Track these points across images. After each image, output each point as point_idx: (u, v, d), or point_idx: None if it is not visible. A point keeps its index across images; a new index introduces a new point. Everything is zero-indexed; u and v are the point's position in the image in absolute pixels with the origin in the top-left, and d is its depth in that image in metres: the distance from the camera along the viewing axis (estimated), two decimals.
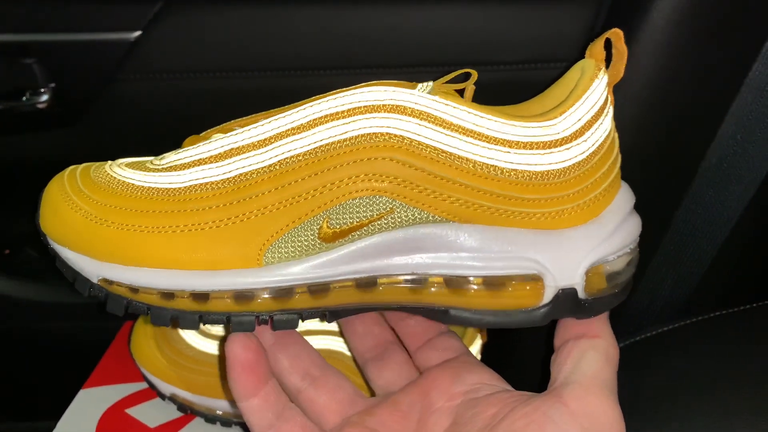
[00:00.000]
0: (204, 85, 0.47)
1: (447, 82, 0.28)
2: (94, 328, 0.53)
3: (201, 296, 0.27)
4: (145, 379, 0.43)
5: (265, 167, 0.26)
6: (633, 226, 0.30)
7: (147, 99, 0.48)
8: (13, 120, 0.47)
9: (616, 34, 0.29)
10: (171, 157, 0.29)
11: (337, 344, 0.40)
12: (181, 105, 0.48)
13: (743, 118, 0.43)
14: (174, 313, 0.27)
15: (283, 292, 0.27)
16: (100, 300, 0.28)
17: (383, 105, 0.26)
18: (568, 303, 0.27)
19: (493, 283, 0.27)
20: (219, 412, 0.41)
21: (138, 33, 0.44)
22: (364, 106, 0.26)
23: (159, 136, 0.50)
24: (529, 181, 0.26)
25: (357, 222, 0.26)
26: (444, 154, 0.26)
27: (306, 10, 0.45)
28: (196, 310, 0.27)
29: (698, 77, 0.42)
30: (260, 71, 0.46)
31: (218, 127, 0.31)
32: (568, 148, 0.26)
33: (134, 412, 0.42)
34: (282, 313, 0.27)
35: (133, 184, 0.28)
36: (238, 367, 0.27)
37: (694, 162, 0.45)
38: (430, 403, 0.29)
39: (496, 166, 0.26)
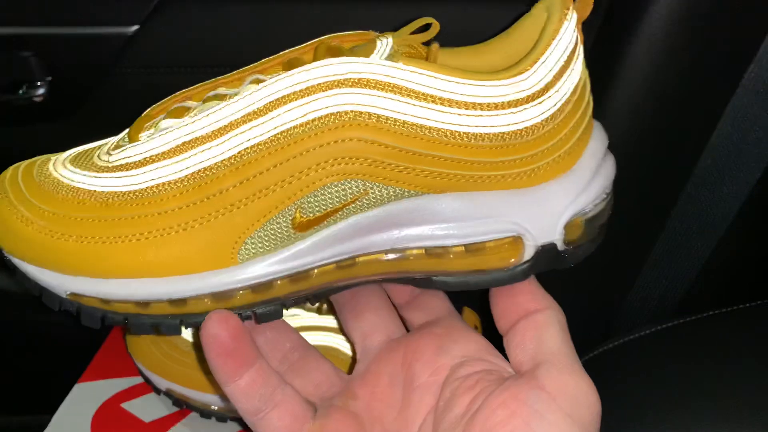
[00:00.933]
0: (201, 80, 0.46)
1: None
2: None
3: (178, 302, 0.25)
4: (140, 373, 0.43)
5: (225, 160, 0.24)
6: (608, 169, 0.28)
7: (144, 93, 0.47)
8: (9, 113, 0.47)
9: None
10: (122, 153, 0.26)
11: (335, 341, 0.40)
12: None
13: (739, 119, 0.43)
14: (153, 320, 0.26)
15: (262, 286, 0.26)
16: (72, 314, 0.27)
17: (344, 80, 0.24)
18: (548, 257, 0.27)
19: (472, 248, 0.27)
20: (214, 407, 0.41)
21: (135, 27, 0.44)
22: (323, 83, 0.24)
23: None
24: (503, 143, 0.25)
25: (331, 208, 0.25)
26: (414, 127, 0.24)
27: (303, 7, 0.45)
28: (176, 314, 0.26)
29: (695, 77, 0.43)
30: None
31: (160, 104, 0.29)
32: (540, 102, 0.25)
33: (129, 406, 0.42)
34: (265, 305, 0.26)
35: (85, 190, 0.26)
36: (216, 348, 0.25)
37: (690, 162, 0.45)
38: (412, 376, 0.28)
39: (468, 133, 0.24)
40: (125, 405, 0.42)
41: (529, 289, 0.27)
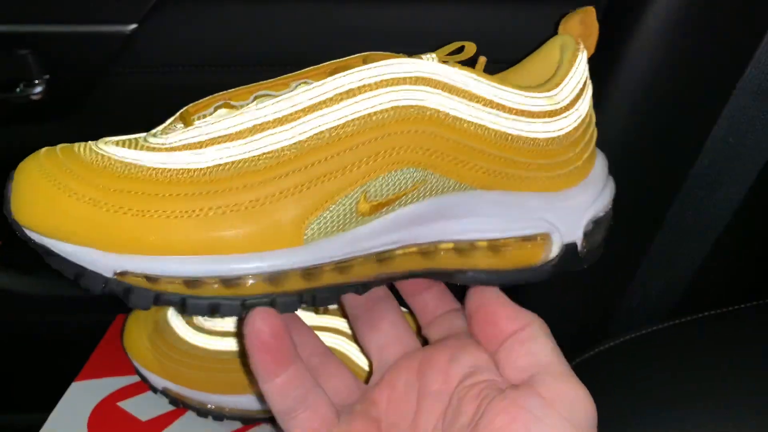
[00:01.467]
0: (200, 79, 0.47)
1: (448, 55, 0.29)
2: (86, 321, 0.53)
3: (231, 281, 0.25)
4: (137, 372, 0.43)
5: (295, 143, 0.25)
6: (612, 186, 0.33)
7: (142, 92, 0.48)
8: (6, 111, 0.47)
9: (589, 11, 0.31)
10: (181, 134, 0.27)
11: (347, 347, 0.40)
12: (176, 99, 0.47)
13: (736, 121, 0.43)
14: (211, 301, 0.25)
15: (316, 270, 0.26)
16: (117, 295, 0.25)
17: (410, 77, 0.26)
18: (568, 257, 0.30)
19: (507, 243, 0.29)
20: (211, 406, 0.42)
21: (134, 26, 0.44)
22: (392, 78, 0.26)
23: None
24: (539, 147, 0.28)
25: (393, 195, 0.26)
26: (468, 124, 0.27)
27: (304, 6, 0.45)
28: (229, 295, 0.25)
29: (692, 79, 0.43)
30: (257, 66, 0.46)
31: (197, 103, 0.30)
32: (565, 117, 0.29)
33: (126, 405, 0.42)
34: (288, 296, 0.26)
35: (144, 166, 0.25)
36: (259, 343, 0.26)
37: (687, 163, 0.45)
38: (426, 384, 0.29)
39: (513, 135, 0.28)
40: (122, 404, 0.42)
41: (506, 313, 0.28)
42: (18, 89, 0.45)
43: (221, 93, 0.30)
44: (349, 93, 0.26)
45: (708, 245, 0.48)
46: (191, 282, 0.25)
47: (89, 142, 0.28)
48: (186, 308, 0.25)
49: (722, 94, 0.43)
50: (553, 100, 0.28)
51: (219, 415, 0.42)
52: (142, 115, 0.49)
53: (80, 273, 0.25)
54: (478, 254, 0.29)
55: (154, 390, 0.42)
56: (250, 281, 0.25)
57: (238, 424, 0.42)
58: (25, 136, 0.49)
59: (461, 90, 0.26)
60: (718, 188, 0.46)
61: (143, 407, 0.42)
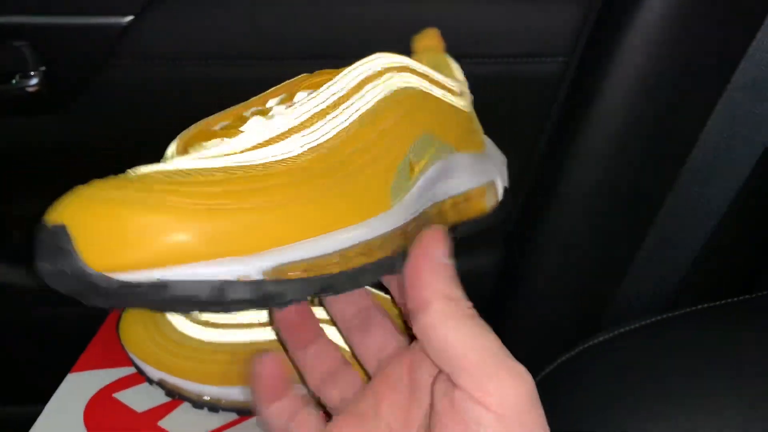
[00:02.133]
0: (197, 72, 0.47)
1: None
2: (81, 313, 0.54)
3: (345, 255, 0.25)
4: (133, 364, 0.42)
5: (350, 125, 0.27)
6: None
7: (139, 85, 0.48)
8: (1, 103, 0.47)
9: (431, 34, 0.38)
10: (243, 138, 0.26)
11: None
12: (173, 91, 0.48)
13: (730, 116, 0.44)
14: (374, 270, 0.26)
15: (403, 231, 0.28)
16: (270, 297, 0.23)
17: (401, 66, 0.31)
18: (506, 199, 0.36)
19: (472, 194, 0.34)
20: (207, 398, 0.42)
21: (131, 18, 0.44)
22: (391, 66, 0.30)
23: (150, 123, 0.50)
24: (467, 118, 0.35)
25: (424, 154, 0.30)
26: (438, 100, 0.32)
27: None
28: (370, 263, 0.26)
29: (687, 74, 0.43)
30: (253, 60, 0.46)
31: (220, 114, 0.31)
32: (462, 96, 0.35)
33: (122, 396, 0.42)
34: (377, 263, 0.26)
35: (236, 165, 0.24)
36: (265, 380, 0.29)
37: (681, 157, 0.45)
38: (416, 378, 0.29)
39: (457, 108, 0.34)
40: (118, 395, 0.42)
41: (425, 282, 0.25)
42: (14, 81, 0.45)
43: (236, 107, 0.32)
44: (367, 80, 0.29)
45: (702, 239, 0.48)
46: (313, 265, 0.24)
47: (129, 170, 0.25)
48: (337, 289, 0.25)
49: (716, 89, 0.43)
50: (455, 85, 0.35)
51: (215, 407, 0.42)
52: (139, 107, 0.49)
53: (224, 287, 0.22)
54: (462, 207, 0.34)
55: (150, 381, 0.42)
56: (378, 248, 0.26)
57: (234, 416, 0.42)
58: (20, 128, 0.49)
59: (426, 75, 0.32)
60: (712, 183, 0.46)
61: (139, 399, 0.42)
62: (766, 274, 0.54)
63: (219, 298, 0.22)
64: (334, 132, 0.27)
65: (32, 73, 0.46)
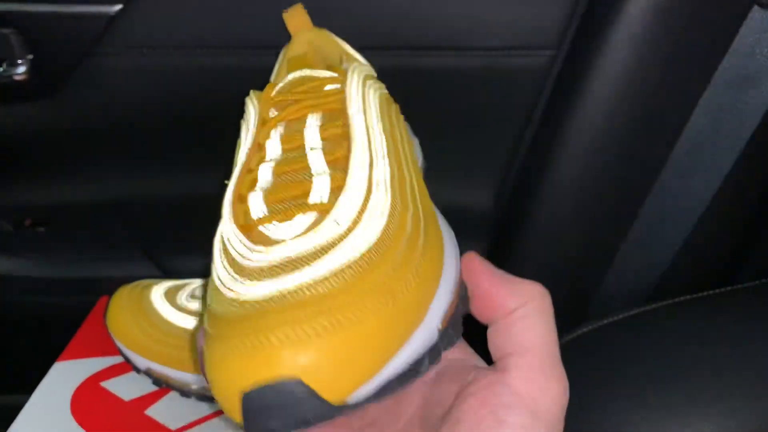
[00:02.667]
0: (183, 60, 0.47)
1: None
2: (69, 303, 0.54)
3: None
4: (120, 352, 0.43)
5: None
6: None
7: (126, 73, 0.48)
8: None
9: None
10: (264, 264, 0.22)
11: None
12: (160, 80, 0.48)
13: (712, 111, 0.44)
14: None
15: None
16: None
17: (373, 76, 0.32)
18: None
19: None
20: (194, 387, 0.42)
21: (119, 7, 0.44)
22: (369, 76, 0.31)
23: (138, 111, 0.50)
24: None
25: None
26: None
27: None
28: None
29: (671, 68, 0.44)
30: (239, 48, 0.46)
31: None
32: None
33: (109, 385, 0.42)
34: None
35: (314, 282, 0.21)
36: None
37: (665, 150, 0.46)
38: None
39: None
40: (105, 384, 0.43)
41: (503, 291, 0.26)
42: (1, 69, 0.45)
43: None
44: (364, 85, 0.29)
45: (686, 231, 0.49)
46: None
47: (237, 299, 0.22)
48: None
49: (700, 84, 0.44)
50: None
51: (202, 396, 0.42)
52: (126, 95, 0.49)
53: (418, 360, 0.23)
54: None
55: (138, 370, 0.42)
56: None
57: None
58: (6, 116, 0.49)
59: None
60: (695, 176, 0.47)
61: (126, 387, 0.42)
62: (747, 266, 0.55)
63: (418, 369, 0.22)
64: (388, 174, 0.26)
65: (19, 61, 0.45)
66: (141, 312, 0.42)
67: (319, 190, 0.24)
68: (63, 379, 0.42)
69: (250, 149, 0.28)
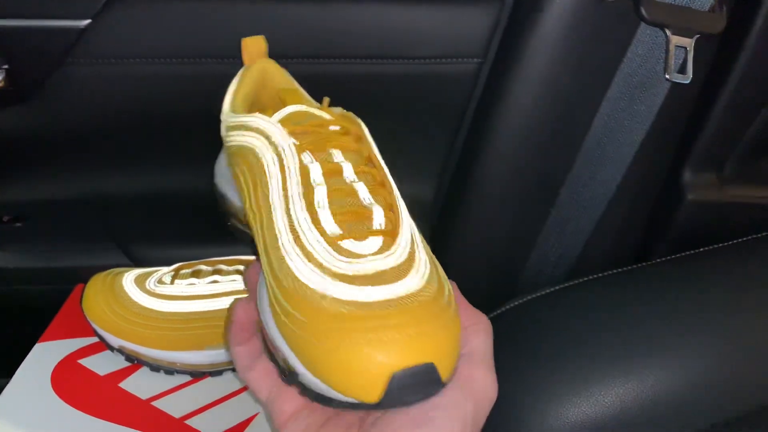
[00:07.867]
0: (147, 69, 0.50)
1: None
2: (48, 291, 0.56)
3: None
4: (95, 333, 0.46)
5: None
6: None
7: (95, 81, 0.50)
8: None
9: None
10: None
11: None
12: (129, 88, 0.51)
13: (615, 109, 0.48)
14: None
15: None
16: None
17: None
18: None
19: None
20: (163, 362, 0.45)
21: (87, 21, 0.47)
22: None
23: (107, 114, 0.52)
24: None
25: None
26: None
27: (246, 3, 0.48)
28: None
29: (579, 74, 0.48)
30: (197, 58, 0.49)
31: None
32: None
33: (86, 362, 0.45)
34: None
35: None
36: (237, 323, 0.32)
37: (576, 145, 0.50)
38: None
39: None
40: (82, 361, 0.45)
41: (466, 314, 0.31)
42: None
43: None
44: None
45: (596, 217, 0.53)
46: None
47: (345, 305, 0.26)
48: None
49: (603, 87, 0.48)
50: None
51: (170, 370, 0.45)
52: (95, 101, 0.51)
53: None
54: None
55: (111, 348, 0.45)
56: None
57: (187, 378, 0.46)
58: None
59: None
60: (602, 166, 0.50)
61: (102, 364, 0.45)
62: (654, 247, 0.59)
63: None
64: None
65: None
66: (113, 296, 0.45)
67: (378, 218, 0.29)
68: (44, 357, 0.45)
69: (299, 167, 0.30)
